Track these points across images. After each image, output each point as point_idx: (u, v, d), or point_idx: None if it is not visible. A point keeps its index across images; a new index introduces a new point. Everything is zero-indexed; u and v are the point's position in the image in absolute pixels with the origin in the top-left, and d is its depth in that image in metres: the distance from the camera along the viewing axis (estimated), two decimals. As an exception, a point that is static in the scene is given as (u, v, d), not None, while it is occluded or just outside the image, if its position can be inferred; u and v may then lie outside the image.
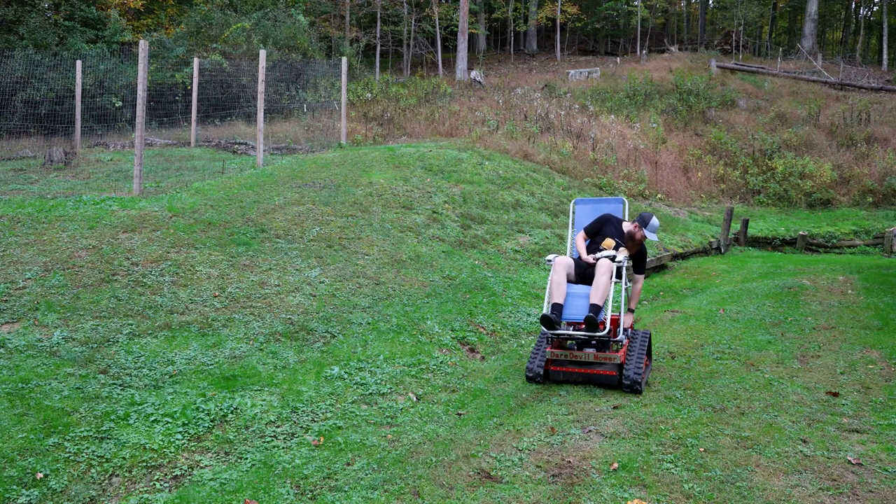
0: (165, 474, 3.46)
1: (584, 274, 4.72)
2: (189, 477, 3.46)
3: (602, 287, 4.43)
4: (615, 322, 4.78)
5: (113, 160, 10.98)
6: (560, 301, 4.50)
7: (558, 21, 29.16)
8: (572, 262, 4.70)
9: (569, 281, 4.65)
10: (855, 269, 8.17)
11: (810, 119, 17.17)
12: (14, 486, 3.19)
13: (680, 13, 37.16)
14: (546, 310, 4.53)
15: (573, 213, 5.36)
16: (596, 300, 4.41)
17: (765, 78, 22.10)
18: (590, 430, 3.79)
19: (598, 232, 4.95)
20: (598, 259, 4.63)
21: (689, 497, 3.06)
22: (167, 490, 3.34)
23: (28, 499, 3.14)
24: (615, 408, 4.11)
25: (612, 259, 4.58)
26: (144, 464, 3.50)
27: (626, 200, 5.22)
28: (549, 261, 4.71)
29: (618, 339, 4.56)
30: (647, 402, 4.15)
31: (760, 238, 11.97)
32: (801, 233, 11.83)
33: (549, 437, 3.75)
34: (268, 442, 3.82)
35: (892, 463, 3.26)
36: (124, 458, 3.51)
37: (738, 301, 6.63)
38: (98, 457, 3.49)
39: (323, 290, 6.01)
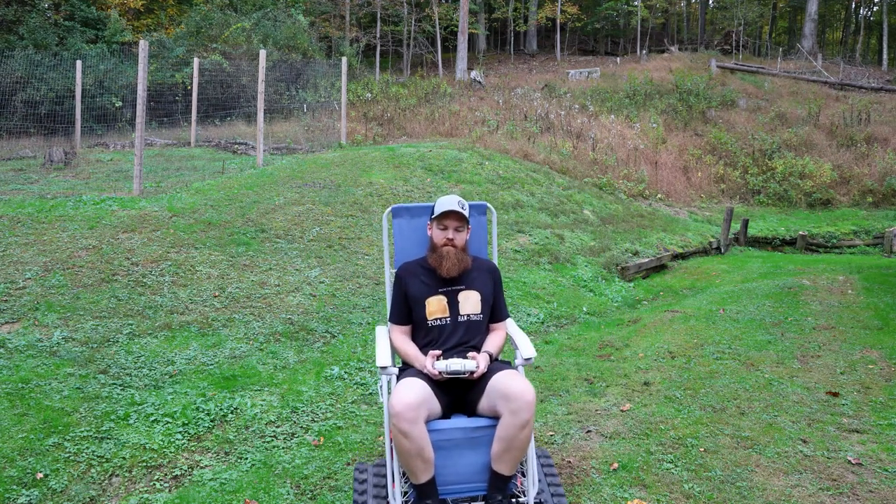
0: (165, 474, 3.46)
1: (453, 393, 2.67)
2: (189, 477, 3.45)
3: (517, 446, 2.45)
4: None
5: (113, 160, 10.98)
6: (429, 476, 2.47)
7: (558, 21, 29.15)
8: (427, 388, 2.54)
9: (433, 418, 2.56)
10: (855, 269, 8.17)
11: (810, 119, 17.16)
12: (14, 486, 3.19)
13: (680, 13, 37.15)
14: (408, 500, 2.53)
15: (389, 232, 3.43)
16: (503, 468, 2.49)
17: (765, 78, 22.09)
18: (590, 430, 3.79)
19: (417, 304, 2.85)
20: (468, 373, 2.59)
21: (689, 497, 3.06)
22: (167, 490, 3.34)
23: (28, 499, 3.14)
24: (623, 410, 4.11)
25: (472, 373, 2.60)
26: (144, 464, 3.50)
27: (491, 207, 3.22)
28: (385, 370, 2.61)
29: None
30: (647, 402, 4.15)
31: (760, 238, 11.97)
32: (801, 233, 11.83)
33: (549, 437, 3.75)
34: (268, 442, 3.82)
35: (892, 463, 3.26)
36: (124, 458, 3.51)
37: (738, 301, 6.63)
38: (98, 457, 3.49)
39: (323, 290, 6.01)
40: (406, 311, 2.90)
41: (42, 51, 14.61)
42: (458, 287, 2.87)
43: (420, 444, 2.42)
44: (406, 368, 2.80)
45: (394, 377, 2.67)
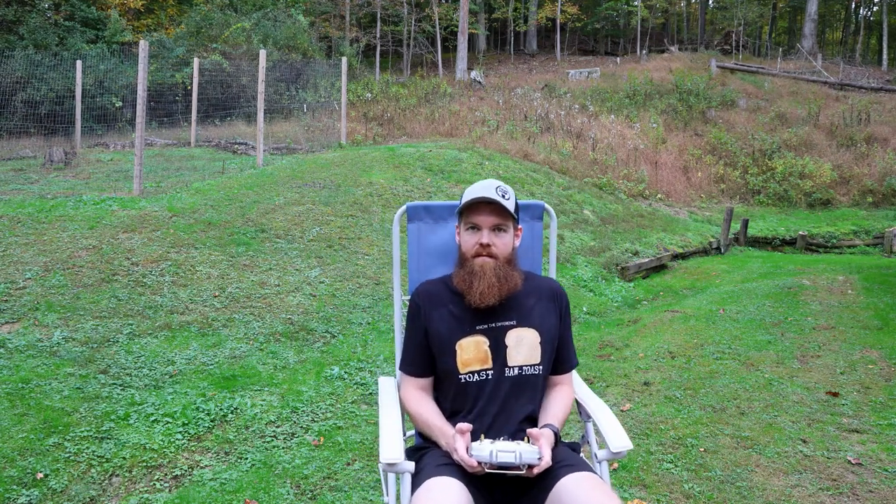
0: (165, 474, 3.46)
1: (497, 496, 1.80)
2: (189, 477, 3.45)
3: None
4: None
5: (113, 160, 10.98)
6: None
7: (558, 21, 29.14)
8: (464, 492, 1.64)
9: None
10: (855, 269, 8.17)
11: (810, 119, 17.17)
12: (14, 486, 3.19)
13: (680, 13, 37.14)
14: None
15: (402, 242, 2.32)
16: None
17: (765, 78, 22.09)
18: (590, 430, 3.79)
19: (444, 348, 1.93)
20: (525, 467, 1.68)
21: (689, 497, 3.05)
22: (167, 490, 3.34)
23: (28, 499, 3.14)
24: (623, 410, 4.11)
25: (529, 465, 1.68)
26: (144, 464, 3.50)
27: (549, 209, 2.31)
28: (394, 468, 1.72)
29: None
30: (647, 402, 4.15)
31: (760, 238, 11.97)
32: (800, 233, 11.83)
33: (549, 437, 3.74)
34: (268, 442, 3.82)
35: (892, 463, 3.26)
36: (124, 458, 3.50)
37: (738, 301, 6.63)
38: (98, 457, 3.49)
39: (323, 290, 6.01)
40: (427, 359, 1.96)
41: (42, 51, 14.61)
42: (507, 323, 1.91)
43: None
44: (423, 449, 1.88)
45: (407, 475, 1.73)
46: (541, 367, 1.92)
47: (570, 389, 2.03)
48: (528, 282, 2.00)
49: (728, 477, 3.20)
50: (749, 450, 3.45)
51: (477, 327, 1.92)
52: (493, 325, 1.92)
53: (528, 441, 1.74)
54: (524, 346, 1.91)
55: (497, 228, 1.91)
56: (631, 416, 3.94)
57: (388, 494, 1.96)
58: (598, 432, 1.92)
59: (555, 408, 1.93)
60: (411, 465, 1.74)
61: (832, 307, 6.21)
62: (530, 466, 1.68)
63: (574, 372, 2.11)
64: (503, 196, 1.89)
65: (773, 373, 4.55)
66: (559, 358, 2.01)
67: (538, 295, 1.99)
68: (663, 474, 3.25)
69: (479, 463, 1.68)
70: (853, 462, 3.27)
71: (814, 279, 7.50)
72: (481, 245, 1.90)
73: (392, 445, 1.73)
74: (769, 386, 4.30)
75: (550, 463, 1.70)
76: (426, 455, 1.83)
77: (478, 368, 1.89)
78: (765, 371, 4.58)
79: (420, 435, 2.00)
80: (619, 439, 1.80)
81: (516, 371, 1.90)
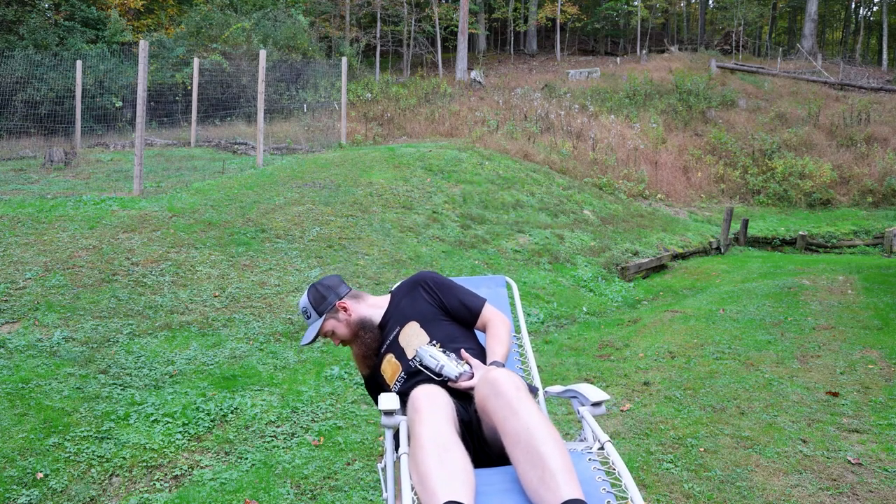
0: (165, 474, 3.46)
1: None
2: (189, 477, 3.45)
3: (564, 459, 1.58)
4: None
5: (113, 160, 10.97)
6: (465, 500, 1.51)
7: (558, 21, 29.14)
8: (450, 401, 1.83)
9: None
10: (855, 269, 8.17)
11: (810, 119, 17.17)
12: (14, 486, 3.19)
13: (680, 13, 37.14)
14: None
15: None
16: (572, 490, 1.51)
17: (765, 78, 22.09)
18: (590, 430, 3.79)
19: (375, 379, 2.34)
20: (446, 378, 2.02)
21: (689, 497, 3.05)
22: (167, 490, 3.34)
23: (28, 499, 3.14)
24: (623, 410, 4.11)
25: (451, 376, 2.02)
26: (144, 464, 3.50)
27: (510, 282, 2.79)
28: (392, 416, 1.82)
29: None
30: (647, 402, 4.16)
31: (760, 238, 11.97)
32: (800, 233, 11.83)
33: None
34: (268, 442, 3.82)
35: (892, 463, 3.26)
36: (124, 458, 3.51)
37: (738, 301, 6.63)
38: (98, 457, 3.49)
39: (323, 290, 6.01)
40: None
41: (42, 51, 14.61)
42: (394, 333, 2.25)
43: (445, 439, 1.64)
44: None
45: (403, 423, 1.83)
46: (436, 341, 2.17)
47: (495, 316, 2.29)
48: (397, 293, 2.37)
49: (728, 477, 3.20)
50: (749, 450, 3.45)
51: (381, 351, 2.30)
52: (388, 341, 2.27)
53: (456, 360, 2.03)
54: (413, 338, 2.20)
55: (324, 334, 2.34)
56: (631, 416, 3.94)
57: (387, 491, 2.02)
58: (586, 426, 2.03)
59: (493, 345, 2.19)
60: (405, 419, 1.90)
61: (832, 307, 6.21)
62: (450, 379, 2.00)
63: (491, 307, 2.33)
64: (307, 318, 2.36)
65: (773, 373, 4.54)
66: (463, 313, 2.29)
67: (402, 294, 2.35)
68: (663, 474, 3.25)
69: (415, 358, 2.09)
70: (853, 462, 3.27)
71: (814, 279, 7.50)
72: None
73: (390, 397, 1.88)
74: (769, 386, 4.30)
75: (472, 378, 1.99)
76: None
77: (397, 376, 2.20)
78: (765, 371, 4.58)
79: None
80: (594, 392, 1.92)
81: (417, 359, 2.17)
